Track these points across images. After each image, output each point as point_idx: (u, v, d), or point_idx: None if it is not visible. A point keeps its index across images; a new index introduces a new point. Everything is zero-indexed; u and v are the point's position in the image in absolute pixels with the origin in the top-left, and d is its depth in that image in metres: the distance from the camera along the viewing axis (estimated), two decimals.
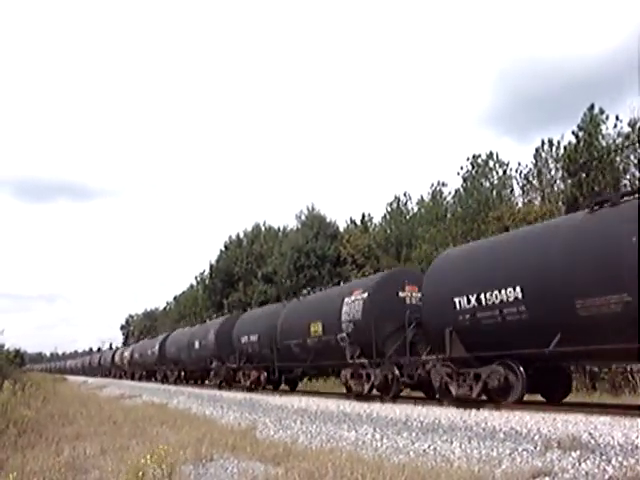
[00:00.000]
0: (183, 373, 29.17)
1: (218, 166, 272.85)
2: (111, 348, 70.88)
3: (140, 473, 5.65)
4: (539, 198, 24.10)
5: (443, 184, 28.63)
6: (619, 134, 20.54)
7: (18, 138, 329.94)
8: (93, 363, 64.00)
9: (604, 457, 5.63)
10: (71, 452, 8.15)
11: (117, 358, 47.18)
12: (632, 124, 20.18)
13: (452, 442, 7.25)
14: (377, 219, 33.61)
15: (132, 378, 39.83)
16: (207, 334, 23.77)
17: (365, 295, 13.25)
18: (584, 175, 20.07)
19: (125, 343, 75.34)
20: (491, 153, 25.50)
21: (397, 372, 12.18)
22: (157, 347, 33.19)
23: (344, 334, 13.57)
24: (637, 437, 5.94)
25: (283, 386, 19.97)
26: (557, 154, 23.45)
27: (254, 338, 19.29)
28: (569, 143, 21.68)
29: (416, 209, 30.18)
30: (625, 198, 8.21)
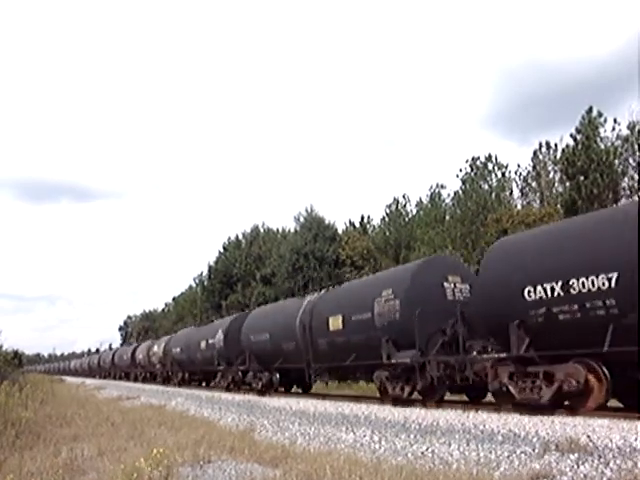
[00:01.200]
0: (278, 375, 17.76)
1: (218, 168, 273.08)
2: (130, 344, 65.12)
3: (136, 475, 5.64)
4: (538, 200, 24.17)
5: (442, 186, 28.72)
6: (618, 137, 20.61)
7: (22, 139, 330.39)
8: (103, 363, 52.69)
9: (602, 460, 5.63)
10: (69, 453, 8.13)
11: (141, 355, 36.08)
12: (631, 127, 20.25)
13: (450, 444, 7.25)
14: (376, 221, 33.69)
15: (166, 382, 29.26)
16: (375, 300, 12.60)
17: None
18: (582, 178, 20.12)
19: (123, 344, 75.06)
20: (490, 155, 25.58)
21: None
22: (221, 334, 21.67)
23: None
24: (635, 440, 5.94)
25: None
26: (555, 157, 23.53)
27: None
28: (567, 146, 21.75)
29: (415, 211, 30.23)
30: None
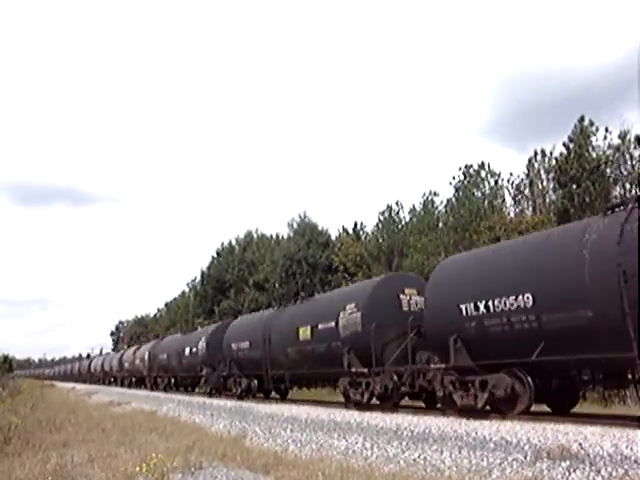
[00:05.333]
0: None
1: (213, 174, 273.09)
2: (136, 343, 49.04)
3: None
4: (531, 208, 24.28)
5: (435, 193, 28.77)
6: (609, 146, 20.77)
7: (19, 143, 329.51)
8: (108, 367, 42.50)
9: (593, 467, 5.64)
10: (58, 460, 8.07)
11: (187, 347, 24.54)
12: (622, 136, 20.42)
13: (442, 451, 7.24)
14: (369, 228, 33.71)
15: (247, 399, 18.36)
16: None
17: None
18: (575, 186, 20.24)
19: (115, 349, 74.42)
20: (483, 163, 25.69)
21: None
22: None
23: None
24: (626, 448, 5.96)
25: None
26: (549, 165, 23.66)
27: None
28: (560, 154, 21.89)
29: (408, 218, 30.25)
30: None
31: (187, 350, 24.35)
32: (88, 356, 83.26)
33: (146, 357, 32.07)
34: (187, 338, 26.02)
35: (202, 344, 22.67)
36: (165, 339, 32.20)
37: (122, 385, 37.72)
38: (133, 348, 37.65)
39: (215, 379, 20.74)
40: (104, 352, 75.82)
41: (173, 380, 27.33)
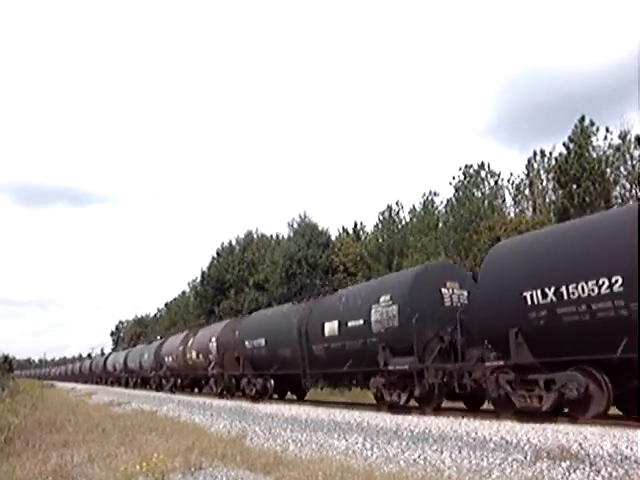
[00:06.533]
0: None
1: (213, 174, 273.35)
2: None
3: None
4: (531, 208, 24.30)
5: (435, 194, 28.78)
6: (609, 146, 20.78)
7: (20, 143, 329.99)
8: (154, 363, 29.80)
9: (593, 467, 5.64)
10: (58, 460, 8.07)
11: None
12: (622, 136, 20.42)
13: (442, 452, 7.24)
14: (369, 228, 33.73)
15: None
16: None
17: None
18: (575, 186, 20.24)
19: (115, 349, 74.39)
20: (483, 163, 25.71)
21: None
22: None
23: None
24: (626, 448, 5.96)
25: None
26: (549, 165, 23.67)
27: None
28: (560, 154, 21.89)
29: (408, 218, 30.26)
30: None
31: (329, 326, 13.74)
32: (89, 356, 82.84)
33: (213, 347, 21.10)
34: (322, 304, 14.72)
35: (386, 310, 12.01)
36: (254, 315, 19.80)
37: (160, 389, 28.36)
38: (181, 336, 26.95)
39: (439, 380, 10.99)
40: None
41: (272, 381, 17.15)
